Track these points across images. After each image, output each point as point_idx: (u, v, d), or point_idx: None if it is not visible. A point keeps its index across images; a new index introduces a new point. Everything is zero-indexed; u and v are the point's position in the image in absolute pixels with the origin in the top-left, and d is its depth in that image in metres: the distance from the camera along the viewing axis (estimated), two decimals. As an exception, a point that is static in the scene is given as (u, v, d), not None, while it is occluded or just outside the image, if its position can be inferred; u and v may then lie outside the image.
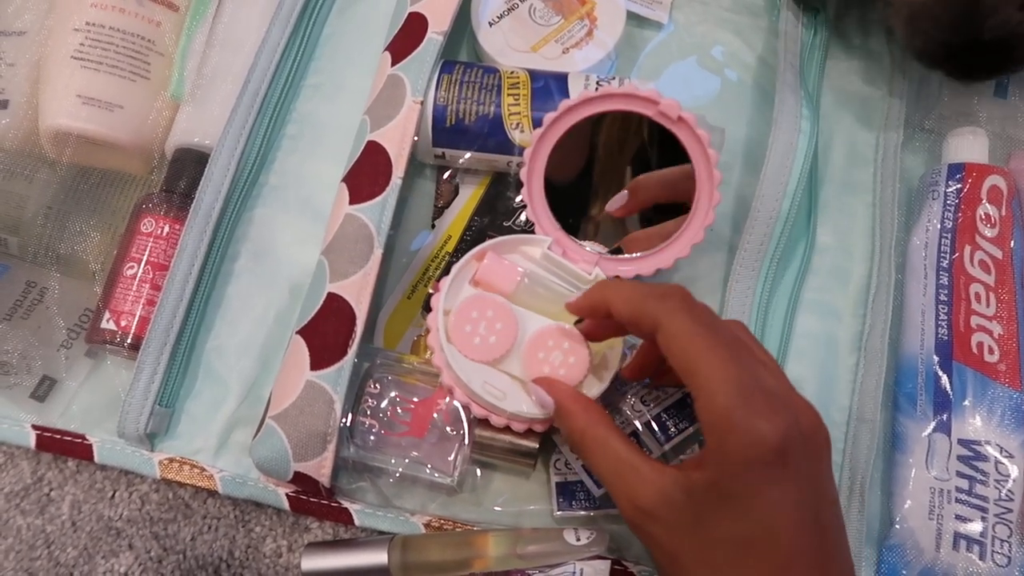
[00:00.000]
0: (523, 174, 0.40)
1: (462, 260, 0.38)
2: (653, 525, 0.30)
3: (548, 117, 0.38)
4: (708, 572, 0.29)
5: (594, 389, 0.37)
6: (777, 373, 0.31)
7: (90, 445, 0.41)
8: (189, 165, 0.44)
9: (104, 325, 0.41)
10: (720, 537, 0.28)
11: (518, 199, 0.44)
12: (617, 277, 0.40)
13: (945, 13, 0.38)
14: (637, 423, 0.38)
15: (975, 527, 0.36)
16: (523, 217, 0.44)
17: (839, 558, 0.30)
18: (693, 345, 0.29)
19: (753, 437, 0.27)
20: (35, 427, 0.42)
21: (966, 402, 0.38)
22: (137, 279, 0.41)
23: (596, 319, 0.36)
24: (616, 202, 0.40)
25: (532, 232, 0.41)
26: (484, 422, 0.37)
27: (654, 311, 0.30)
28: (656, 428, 0.38)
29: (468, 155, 0.43)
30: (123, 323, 0.40)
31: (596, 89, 0.39)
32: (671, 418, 0.38)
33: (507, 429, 0.37)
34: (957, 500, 0.37)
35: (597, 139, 0.40)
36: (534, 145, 0.39)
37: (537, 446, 0.38)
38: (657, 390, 0.38)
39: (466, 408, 0.37)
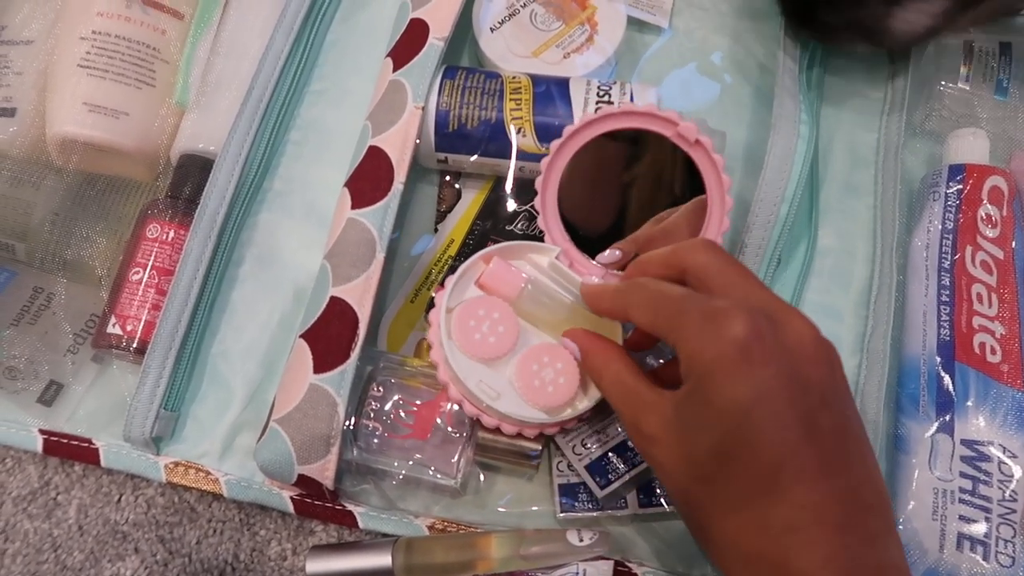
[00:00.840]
0: (538, 183, 0.40)
1: (469, 260, 0.38)
2: (655, 448, 0.30)
3: (568, 129, 0.39)
4: (704, 490, 0.28)
5: (580, 405, 0.37)
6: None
7: (96, 449, 0.41)
8: (194, 171, 0.44)
9: (110, 330, 0.41)
10: (706, 449, 0.28)
11: (513, 206, 0.44)
12: None
13: None
14: (579, 466, 0.38)
15: (979, 528, 0.36)
16: (524, 223, 0.44)
17: (849, 470, 0.27)
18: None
19: (714, 334, 0.27)
20: (42, 431, 0.42)
21: (969, 403, 0.38)
22: (143, 284, 0.41)
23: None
24: (607, 258, 0.40)
25: (533, 238, 0.41)
26: (496, 428, 0.37)
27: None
28: (597, 471, 0.38)
29: (473, 159, 0.43)
30: (129, 328, 0.41)
31: (597, 96, 0.39)
32: (619, 457, 0.38)
33: (498, 431, 0.37)
34: (960, 501, 0.37)
35: (613, 155, 0.40)
36: (552, 155, 0.39)
37: (540, 448, 0.38)
38: (599, 433, 0.39)
39: (459, 404, 0.37)
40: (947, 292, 0.40)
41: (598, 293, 0.35)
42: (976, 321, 0.39)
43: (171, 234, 0.42)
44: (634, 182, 0.41)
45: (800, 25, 0.45)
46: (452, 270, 0.40)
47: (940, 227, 0.42)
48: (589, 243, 0.40)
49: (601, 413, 0.39)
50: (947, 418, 0.38)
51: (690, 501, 0.29)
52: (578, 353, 0.36)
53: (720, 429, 0.27)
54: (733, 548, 0.28)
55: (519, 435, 0.37)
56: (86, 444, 0.42)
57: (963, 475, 0.37)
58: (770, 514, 0.27)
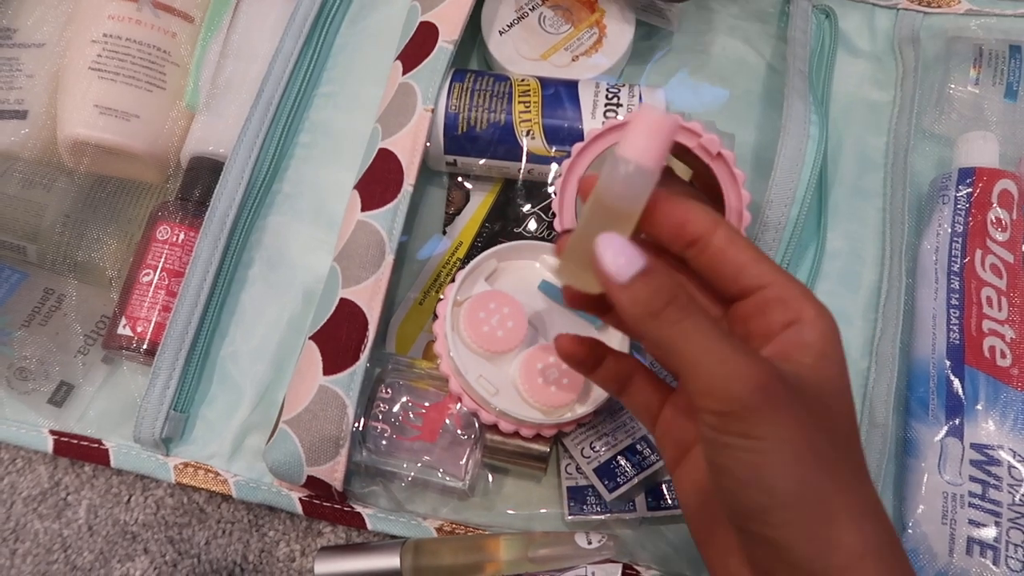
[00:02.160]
0: (557, 185, 0.40)
1: (480, 256, 0.39)
2: (754, 422, 0.24)
3: (591, 132, 0.39)
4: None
5: (580, 409, 0.37)
6: None
7: (106, 450, 0.42)
8: (204, 173, 0.44)
9: (120, 331, 0.41)
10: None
11: (522, 208, 0.44)
12: None
13: None
14: (587, 469, 0.38)
15: (989, 532, 0.36)
16: (532, 225, 0.44)
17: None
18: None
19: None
20: (52, 432, 0.42)
21: (979, 406, 0.38)
22: (153, 286, 0.42)
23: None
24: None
25: (543, 240, 0.41)
26: (494, 426, 0.38)
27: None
28: (605, 474, 0.38)
29: (483, 162, 0.43)
30: (139, 329, 0.41)
31: (606, 99, 0.39)
32: (628, 460, 0.38)
33: (495, 428, 0.37)
34: (970, 505, 0.37)
35: None
36: (573, 157, 0.39)
37: (548, 450, 0.38)
38: (608, 435, 0.38)
39: (460, 400, 0.37)
40: (957, 296, 0.40)
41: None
42: (986, 325, 0.39)
43: (181, 236, 0.43)
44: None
45: None
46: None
47: (950, 230, 0.41)
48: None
49: (604, 417, 0.39)
50: (957, 422, 0.38)
51: (806, 495, 0.24)
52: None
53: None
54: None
55: (516, 434, 0.38)
56: (96, 445, 0.42)
57: (973, 479, 0.37)
58: None
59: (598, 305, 0.31)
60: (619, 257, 0.26)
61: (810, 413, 0.25)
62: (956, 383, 0.38)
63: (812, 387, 0.26)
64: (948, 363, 0.39)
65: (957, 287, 0.40)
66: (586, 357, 0.32)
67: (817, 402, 0.26)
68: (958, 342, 0.39)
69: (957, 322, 0.40)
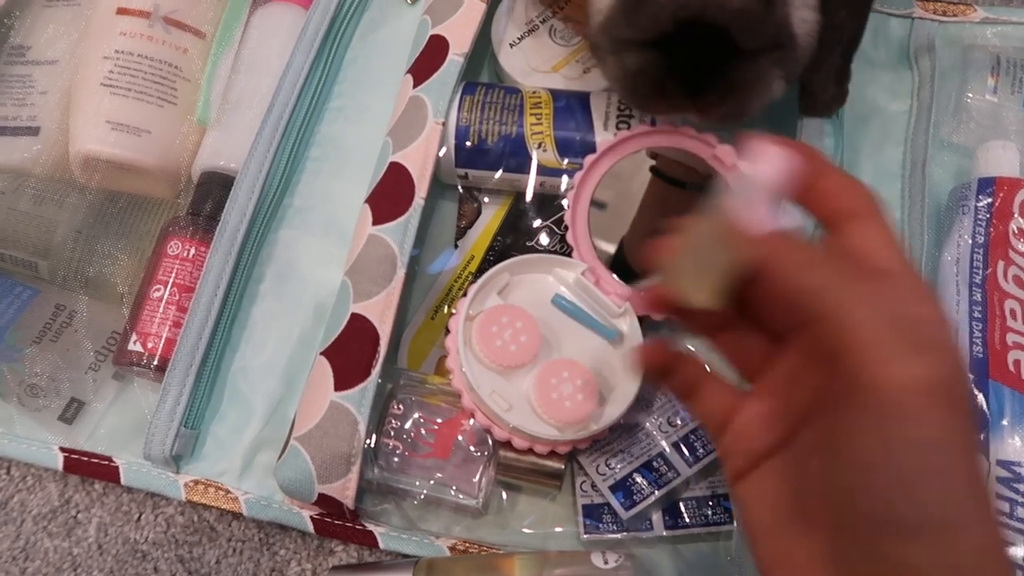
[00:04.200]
0: (570, 197, 0.40)
1: (492, 270, 0.38)
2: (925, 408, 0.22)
3: (603, 143, 0.38)
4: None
5: (594, 426, 0.36)
6: None
7: (117, 467, 0.41)
8: (215, 188, 0.44)
9: (131, 347, 0.41)
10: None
11: (534, 222, 0.44)
12: (648, 316, 0.39)
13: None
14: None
15: (1017, 552, 0.35)
16: (544, 239, 0.44)
17: None
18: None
19: None
20: (63, 449, 0.42)
21: (1004, 422, 0.37)
22: (164, 301, 0.41)
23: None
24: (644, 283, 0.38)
25: (555, 254, 0.41)
26: (508, 443, 0.37)
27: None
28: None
29: (498, 175, 0.43)
30: (150, 345, 0.41)
31: (618, 111, 0.39)
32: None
33: (508, 444, 0.37)
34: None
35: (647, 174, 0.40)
36: (585, 170, 0.39)
37: (563, 467, 0.38)
38: (624, 452, 0.38)
39: (472, 414, 0.37)
40: (979, 308, 0.39)
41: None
42: (1010, 338, 0.38)
43: (192, 251, 0.42)
44: (664, 205, 0.40)
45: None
46: (473, 287, 0.40)
47: (970, 241, 0.41)
48: (617, 261, 0.40)
49: (620, 433, 0.38)
50: (981, 438, 0.37)
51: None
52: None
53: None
54: None
55: (530, 451, 0.37)
56: (106, 462, 0.41)
57: (999, 497, 0.36)
58: None
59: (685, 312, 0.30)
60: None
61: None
62: (980, 398, 0.38)
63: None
64: (971, 377, 0.38)
65: (979, 299, 0.39)
66: (668, 365, 0.31)
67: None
68: (981, 356, 0.38)
69: (980, 335, 0.39)
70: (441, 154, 0.42)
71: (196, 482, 0.41)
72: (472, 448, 0.37)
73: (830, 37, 0.34)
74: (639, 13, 0.31)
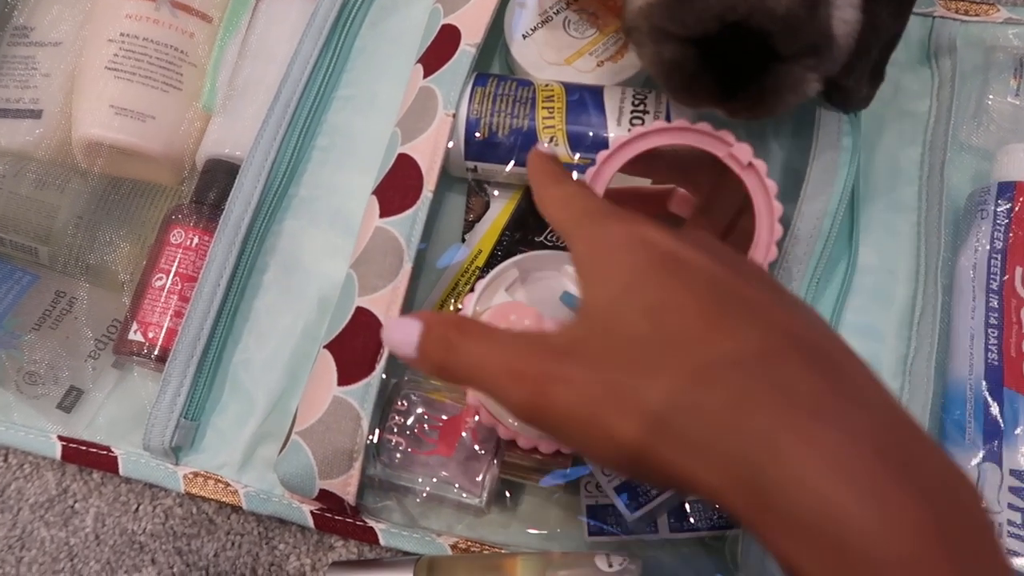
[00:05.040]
0: None
1: (500, 266, 0.37)
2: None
3: (617, 140, 0.38)
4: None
5: None
6: None
7: (115, 457, 0.41)
8: (219, 176, 0.43)
9: (132, 336, 0.40)
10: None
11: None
12: None
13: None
14: (608, 488, 0.37)
15: (1028, 563, 0.35)
16: (553, 235, 0.43)
17: None
18: None
19: None
20: (61, 438, 0.41)
21: (1018, 431, 0.36)
22: (165, 290, 0.41)
23: None
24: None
25: (564, 250, 0.40)
26: (513, 441, 0.36)
27: None
28: (627, 493, 0.36)
29: (508, 169, 0.42)
30: (151, 335, 0.40)
31: (632, 106, 0.38)
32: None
33: (513, 443, 0.36)
34: (1009, 534, 0.35)
35: (660, 171, 0.40)
36: (598, 166, 0.38)
37: (567, 468, 0.37)
38: None
39: (476, 411, 0.36)
40: (995, 315, 0.39)
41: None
42: (1027, 346, 0.37)
43: (195, 240, 0.42)
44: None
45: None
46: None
47: (988, 246, 0.40)
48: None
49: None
50: (995, 446, 0.36)
51: None
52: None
53: None
54: None
55: (535, 450, 0.36)
56: (105, 452, 0.41)
57: (1012, 507, 0.35)
58: None
59: None
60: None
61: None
62: (994, 406, 0.37)
63: None
64: (986, 385, 0.37)
65: (996, 305, 0.39)
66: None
67: None
68: (997, 363, 0.38)
69: (996, 342, 0.38)
70: (450, 146, 0.41)
71: (195, 474, 0.40)
72: (476, 446, 0.37)
73: (869, 38, 0.34)
74: (685, 9, 0.31)
